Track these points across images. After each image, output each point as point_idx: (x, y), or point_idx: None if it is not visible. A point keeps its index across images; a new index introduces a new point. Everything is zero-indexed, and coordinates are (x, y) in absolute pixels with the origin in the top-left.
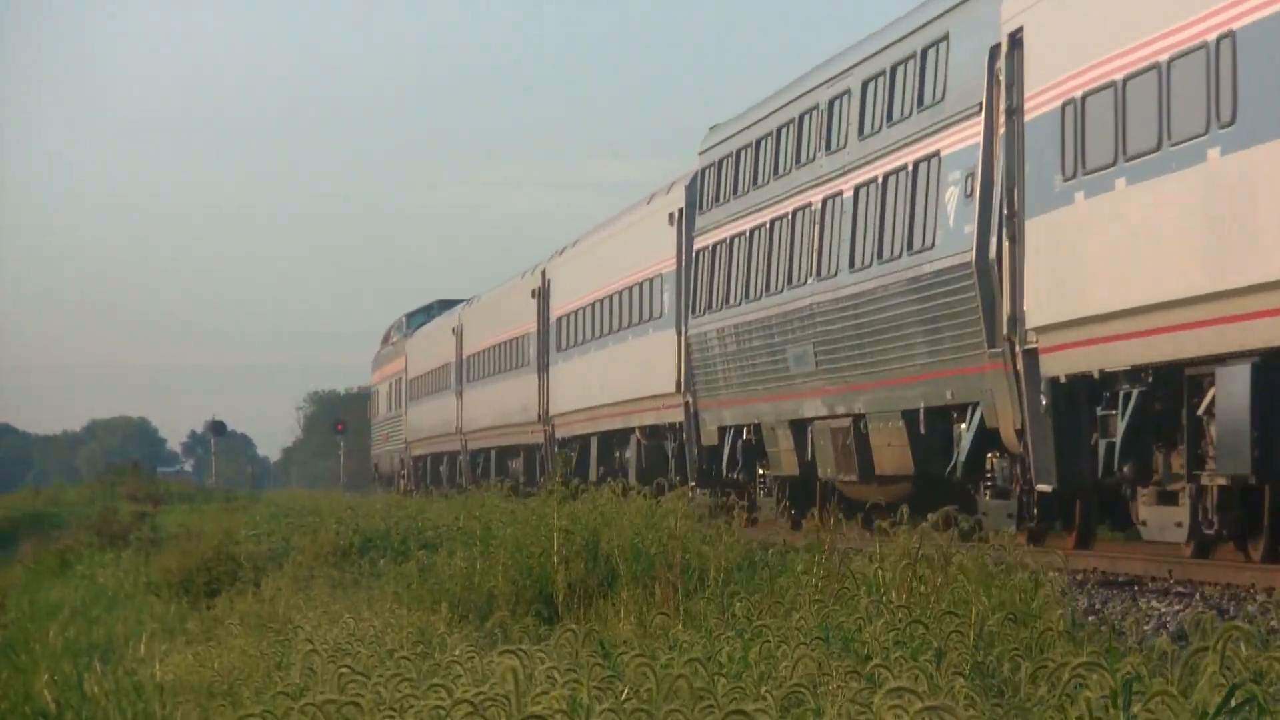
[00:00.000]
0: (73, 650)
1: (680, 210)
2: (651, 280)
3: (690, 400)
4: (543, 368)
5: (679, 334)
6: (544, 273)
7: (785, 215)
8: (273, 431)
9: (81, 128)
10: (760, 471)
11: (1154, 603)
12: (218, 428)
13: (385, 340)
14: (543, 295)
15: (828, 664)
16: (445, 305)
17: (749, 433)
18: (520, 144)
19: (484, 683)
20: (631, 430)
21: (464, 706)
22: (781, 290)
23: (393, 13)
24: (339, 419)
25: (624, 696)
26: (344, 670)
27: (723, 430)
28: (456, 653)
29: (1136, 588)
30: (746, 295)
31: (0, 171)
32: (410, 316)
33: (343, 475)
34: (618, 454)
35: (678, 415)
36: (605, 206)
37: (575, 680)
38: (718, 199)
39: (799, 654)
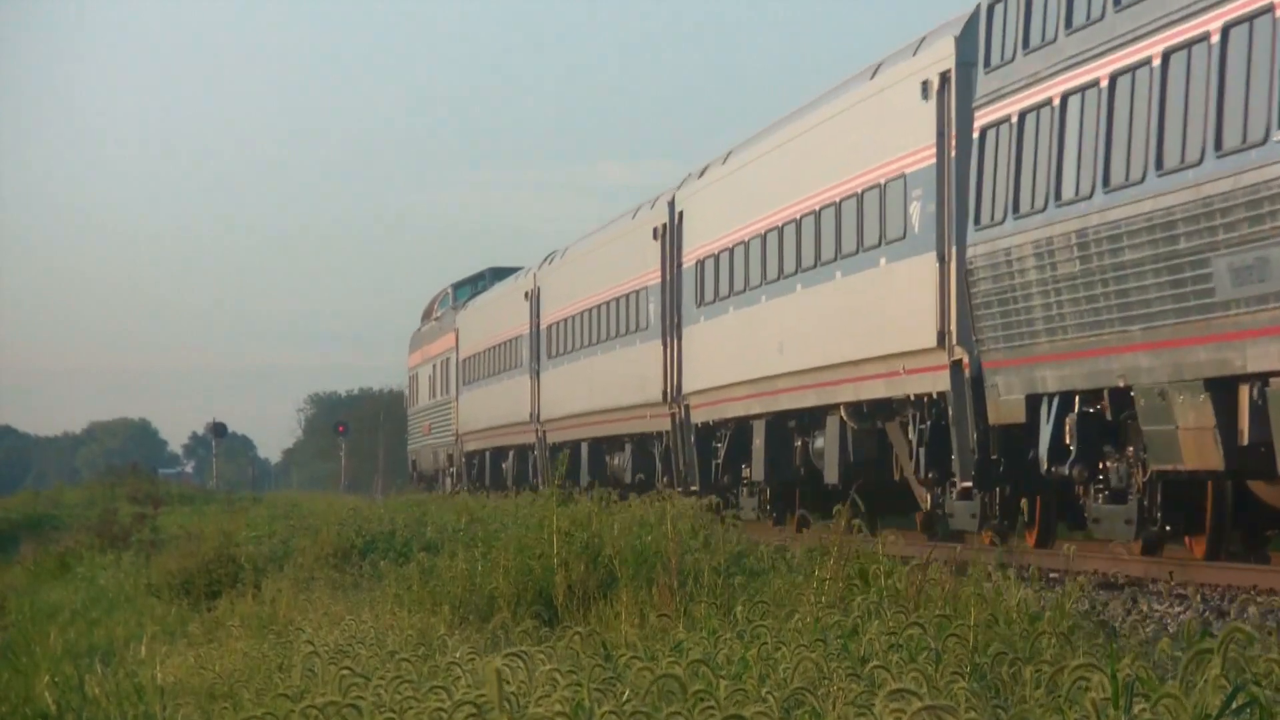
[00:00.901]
0: (73, 652)
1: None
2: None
3: None
4: (670, 331)
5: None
6: (672, 204)
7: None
8: (273, 433)
9: (81, 129)
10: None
11: (1154, 604)
12: (218, 429)
13: (426, 316)
14: (671, 234)
15: (827, 666)
16: (499, 274)
17: (1093, 402)
18: (519, 145)
19: (485, 685)
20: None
21: (465, 708)
22: (1202, 162)
23: (391, 12)
24: (340, 420)
25: (625, 698)
26: (345, 672)
27: (1037, 401)
28: (457, 655)
29: (1137, 589)
30: (1104, 181)
31: (3, 173)
32: (458, 288)
33: (344, 477)
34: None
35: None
36: (604, 207)
37: (576, 682)
38: (1024, 42)
39: (799, 656)
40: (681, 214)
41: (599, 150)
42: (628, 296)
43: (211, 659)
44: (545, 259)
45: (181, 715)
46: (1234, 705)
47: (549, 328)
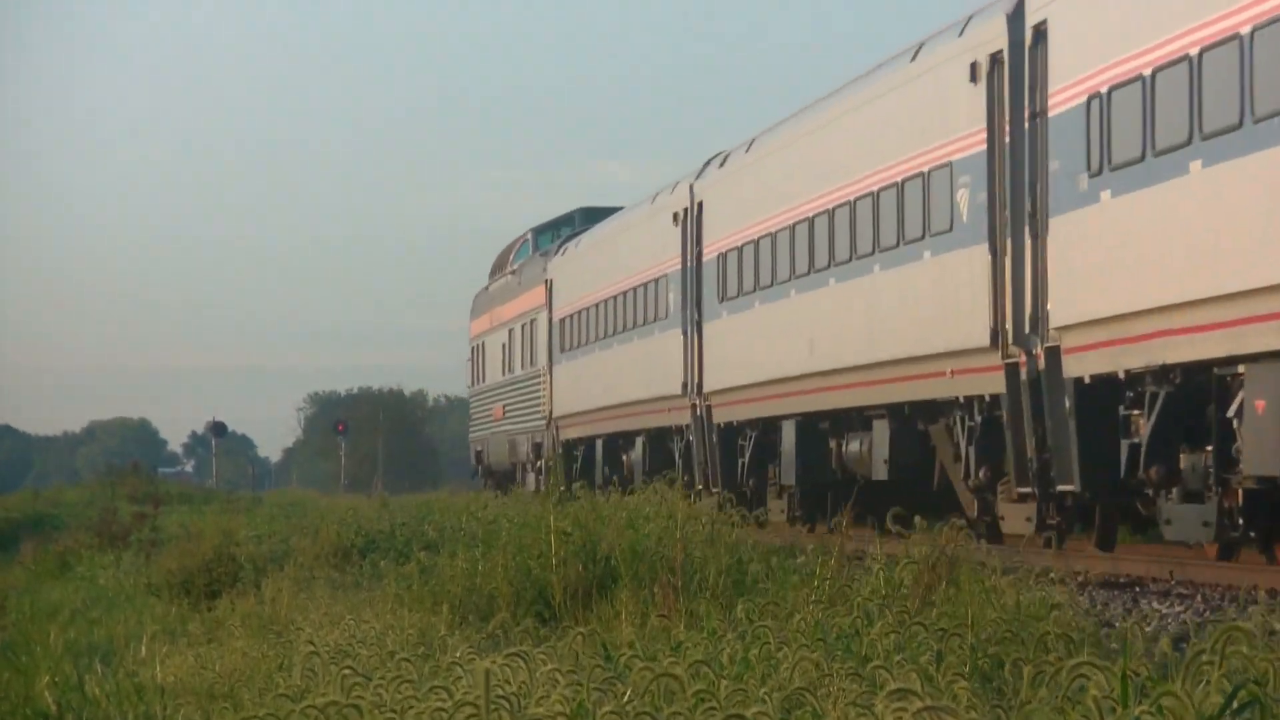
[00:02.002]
0: (73, 652)
1: None
2: None
3: None
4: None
5: None
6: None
7: None
8: (273, 432)
9: (81, 128)
10: None
11: (1155, 604)
12: (218, 429)
13: (497, 270)
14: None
15: (828, 666)
16: (593, 215)
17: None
18: (519, 145)
19: (484, 685)
20: None
21: (465, 708)
22: None
23: (390, 13)
24: (339, 420)
25: (626, 698)
26: (345, 672)
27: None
28: (457, 654)
29: (1138, 589)
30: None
31: (3, 173)
32: (540, 233)
33: (344, 476)
34: None
35: None
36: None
37: (577, 682)
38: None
39: (800, 656)
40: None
41: (600, 150)
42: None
43: (211, 659)
44: (706, 164)
45: (182, 715)
46: (1235, 704)
47: (714, 257)
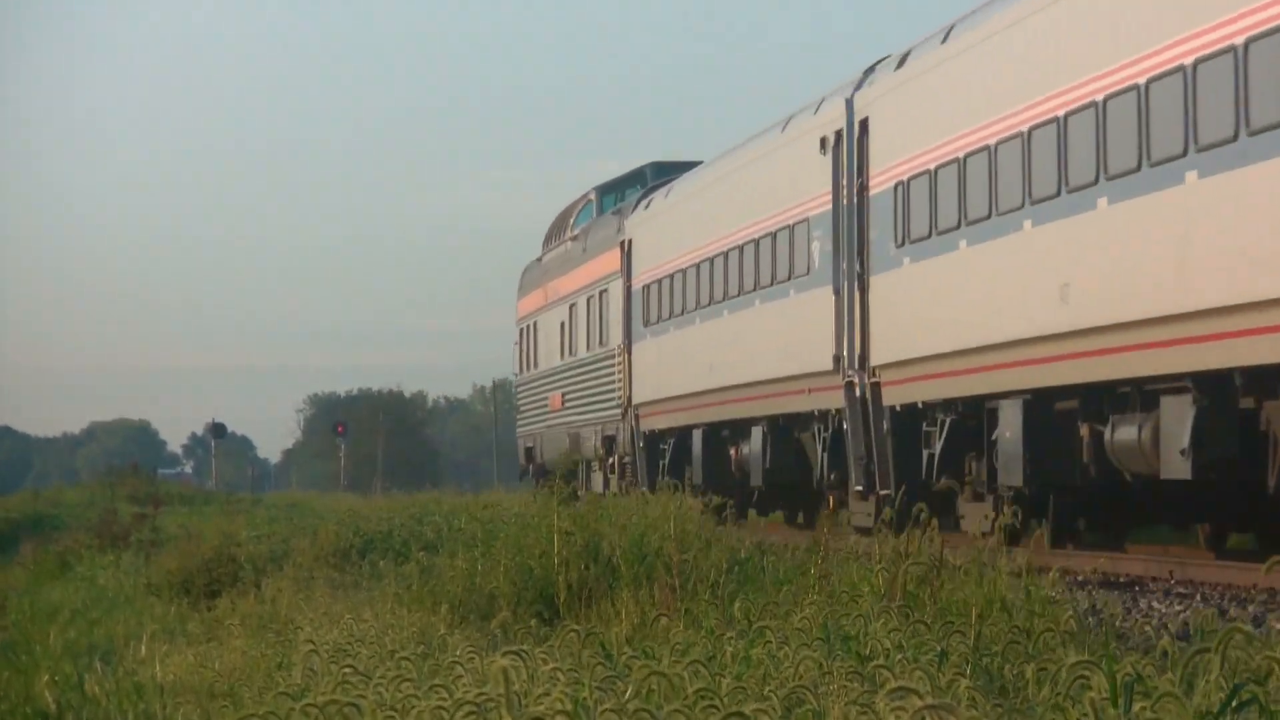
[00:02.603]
0: (73, 651)
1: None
2: None
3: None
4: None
5: None
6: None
7: None
8: (273, 433)
9: (82, 128)
10: None
11: (1154, 603)
12: (218, 430)
13: (554, 238)
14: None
15: (829, 664)
16: (665, 170)
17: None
18: (519, 145)
19: (485, 684)
20: None
21: (465, 707)
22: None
23: (388, 13)
24: (339, 421)
25: (626, 697)
26: (345, 671)
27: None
28: (457, 653)
29: (1137, 588)
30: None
31: (3, 173)
32: (606, 192)
33: (343, 477)
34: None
35: None
36: None
37: (577, 680)
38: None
39: (800, 655)
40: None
41: (600, 150)
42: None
43: (211, 658)
44: (869, 70)
45: (181, 714)
46: (1234, 704)
47: (890, 188)
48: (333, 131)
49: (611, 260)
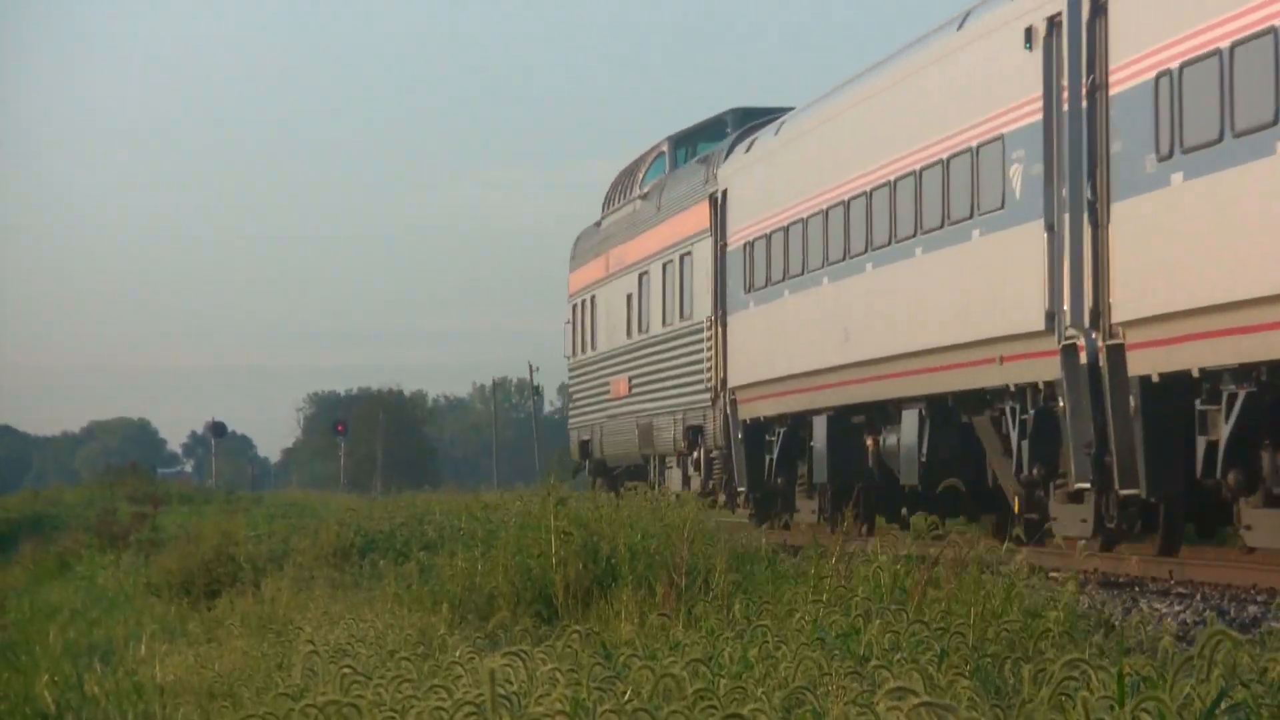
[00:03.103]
0: (73, 651)
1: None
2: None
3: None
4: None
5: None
6: None
7: None
8: (273, 433)
9: (84, 127)
10: None
11: (1155, 603)
12: (218, 429)
13: (616, 199)
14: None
15: (828, 665)
16: (751, 115)
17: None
18: (519, 145)
19: (485, 684)
20: None
21: (465, 708)
22: None
23: (390, 13)
24: (339, 420)
25: (625, 697)
26: (345, 671)
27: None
28: (457, 654)
29: (1137, 588)
30: None
31: (3, 173)
32: (680, 143)
33: (343, 476)
34: None
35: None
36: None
37: (576, 681)
38: None
39: (800, 654)
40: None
41: (600, 150)
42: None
43: (211, 658)
44: None
45: (181, 714)
46: (1223, 707)
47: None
48: (333, 131)
49: (696, 217)
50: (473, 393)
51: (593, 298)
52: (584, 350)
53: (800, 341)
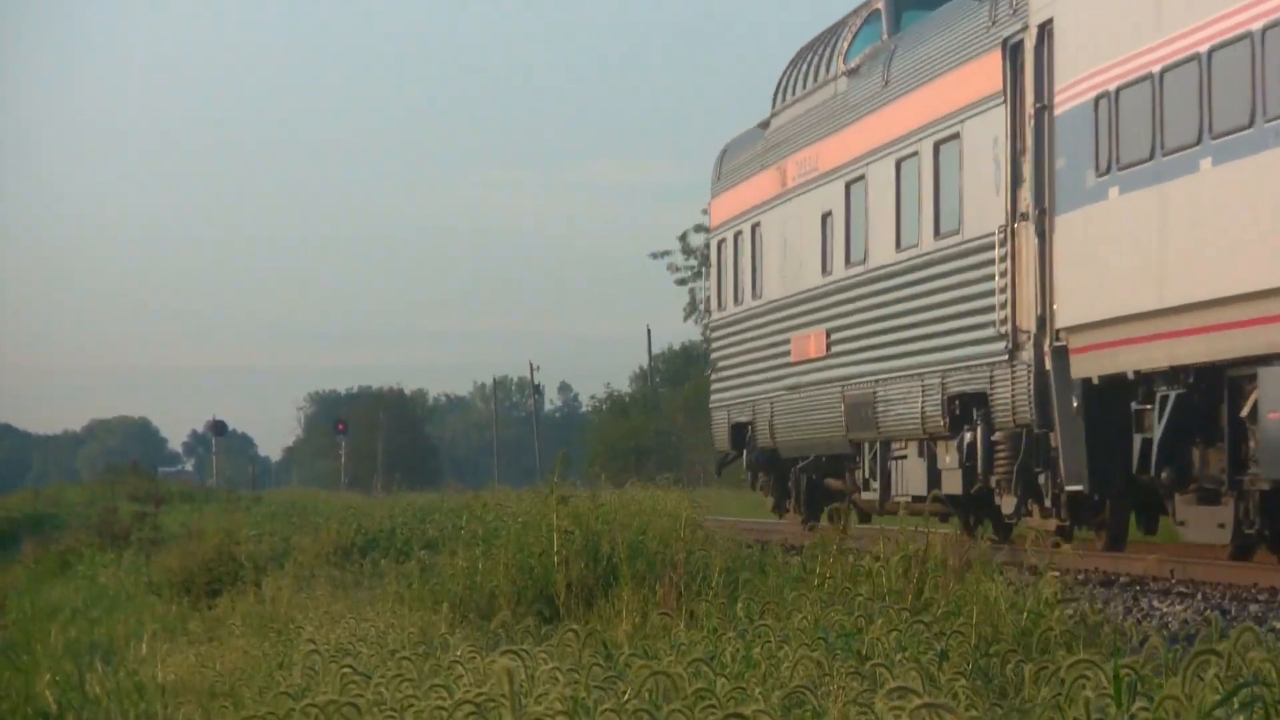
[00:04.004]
0: (74, 651)
1: None
2: None
3: None
4: None
5: None
6: None
7: None
8: (273, 431)
9: (83, 127)
10: None
11: (1155, 603)
12: (219, 428)
13: (798, 85)
14: None
15: (829, 664)
16: None
17: None
18: (519, 145)
19: (486, 683)
20: None
21: (466, 707)
22: None
23: (388, 12)
24: (340, 419)
25: (626, 697)
26: (346, 670)
27: None
28: (458, 653)
29: (1139, 588)
30: None
31: (3, 172)
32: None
33: (344, 475)
34: None
35: None
36: (605, 207)
37: (577, 680)
38: None
39: (800, 654)
40: None
41: (600, 149)
42: None
43: (212, 657)
44: None
45: (182, 714)
46: (1234, 703)
47: None
48: (333, 131)
49: (970, 81)
50: (473, 391)
51: (755, 227)
52: (739, 300)
53: (1243, 238)
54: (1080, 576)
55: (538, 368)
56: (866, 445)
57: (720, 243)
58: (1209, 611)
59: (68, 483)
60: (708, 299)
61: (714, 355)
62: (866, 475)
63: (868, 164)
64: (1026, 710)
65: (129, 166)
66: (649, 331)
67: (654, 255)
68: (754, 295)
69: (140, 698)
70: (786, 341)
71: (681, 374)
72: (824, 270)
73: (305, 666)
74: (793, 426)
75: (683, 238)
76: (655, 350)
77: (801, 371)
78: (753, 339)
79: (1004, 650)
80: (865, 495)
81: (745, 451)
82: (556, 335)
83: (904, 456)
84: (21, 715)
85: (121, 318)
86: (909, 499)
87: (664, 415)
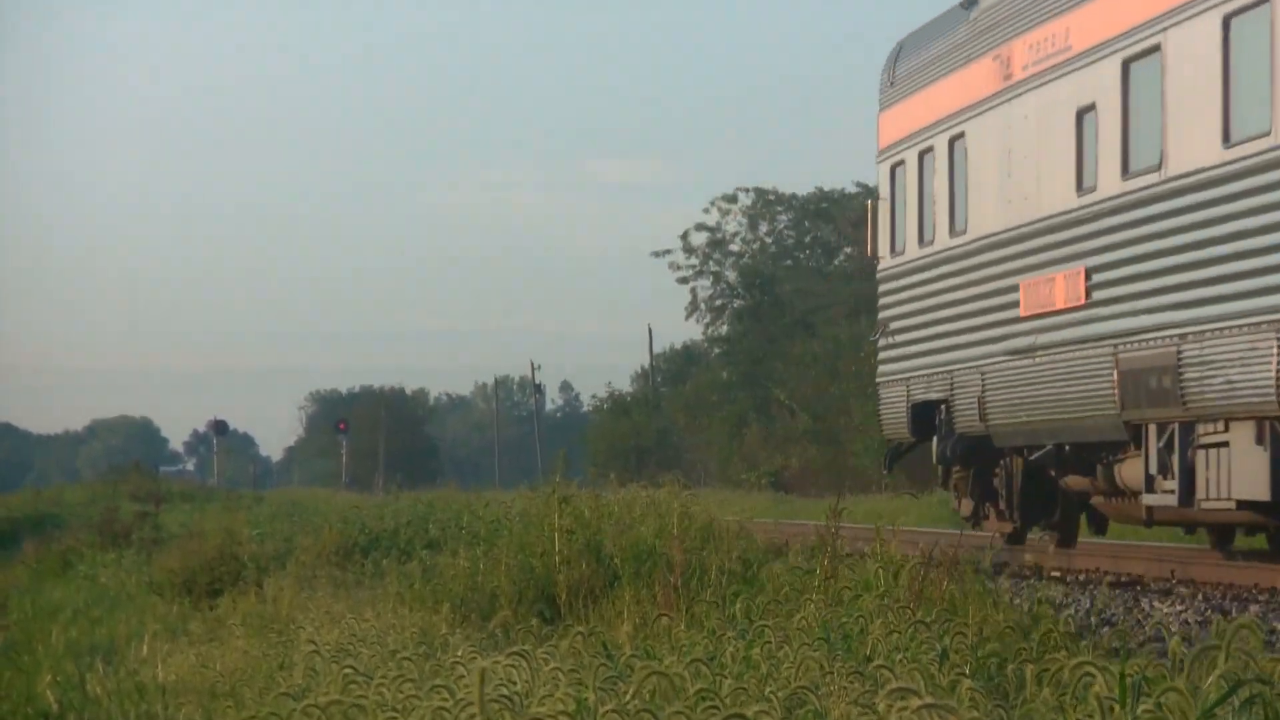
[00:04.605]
0: (75, 651)
1: None
2: None
3: None
4: None
5: None
6: None
7: None
8: (275, 431)
9: (84, 127)
10: None
11: (1156, 603)
12: (220, 427)
13: None
14: None
15: (830, 664)
16: None
17: None
18: (519, 145)
19: (486, 684)
20: None
21: (467, 708)
22: None
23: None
24: (341, 418)
25: (628, 697)
26: (347, 671)
27: None
28: (459, 653)
29: (1139, 588)
30: None
31: (2, 170)
32: None
33: (345, 474)
34: None
35: None
36: (605, 207)
37: (579, 681)
38: None
39: (801, 654)
40: None
41: (599, 149)
42: None
43: (213, 657)
44: None
45: (183, 714)
46: (1235, 701)
47: None
48: (333, 131)
49: None
50: (474, 391)
51: (956, 140)
52: (925, 239)
53: None
54: (1081, 577)
55: (539, 367)
56: (1153, 428)
57: (895, 167)
58: (1209, 612)
59: (69, 482)
60: (874, 242)
61: (884, 315)
62: (1153, 470)
63: (1166, 27)
64: (1029, 711)
65: (129, 166)
66: (650, 331)
67: (655, 254)
68: (953, 231)
69: (141, 698)
70: (1011, 290)
71: (683, 374)
72: (1080, 187)
73: (306, 667)
74: (1017, 404)
75: (684, 236)
76: (656, 350)
77: (1037, 329)
78: (951, 289)
79: (1002, 650)
80: (1152, 498)
81: (935, 439)
82: (558, 335)
83: (1223, 444)
84: (22, 715)
85: (122, 317)
86: (1231, 504)
87: (665, 415)
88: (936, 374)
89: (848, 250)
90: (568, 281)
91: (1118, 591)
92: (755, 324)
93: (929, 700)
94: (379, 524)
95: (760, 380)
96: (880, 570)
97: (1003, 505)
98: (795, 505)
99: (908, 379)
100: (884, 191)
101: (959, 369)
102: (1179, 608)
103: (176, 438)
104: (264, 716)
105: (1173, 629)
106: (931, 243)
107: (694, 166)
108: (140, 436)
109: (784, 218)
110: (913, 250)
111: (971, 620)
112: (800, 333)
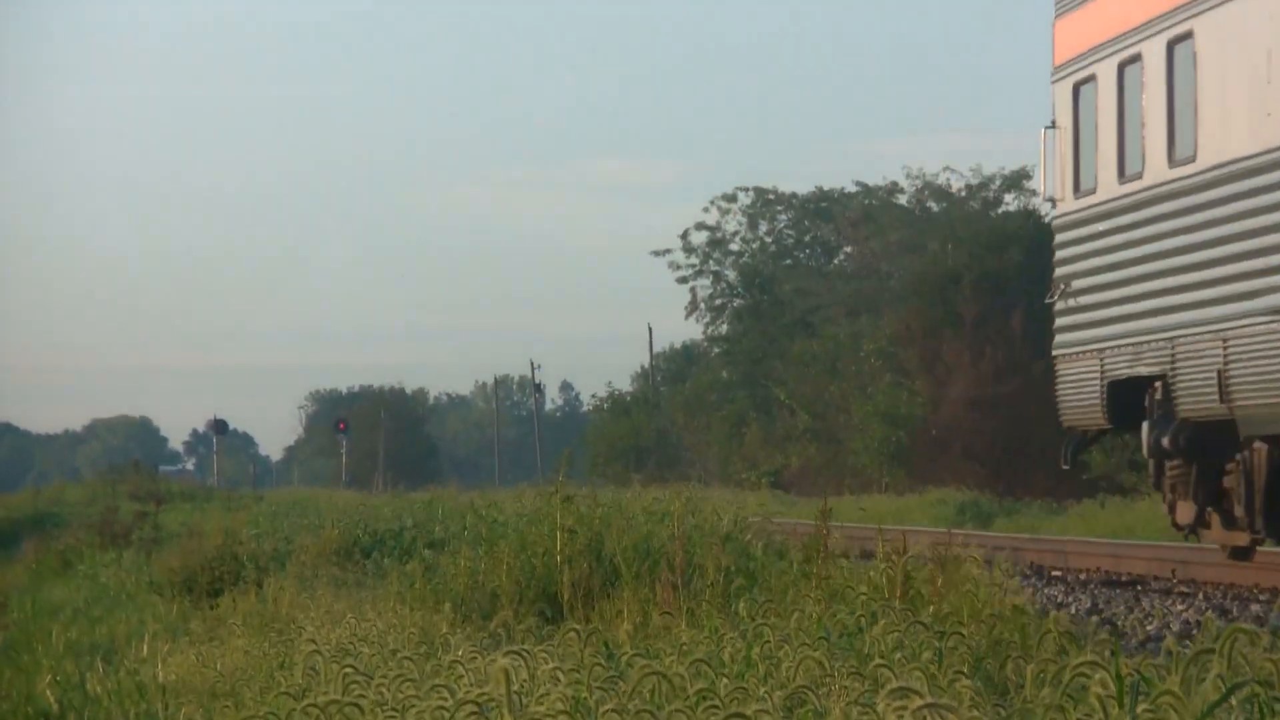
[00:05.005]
0: (75, 650)
1: None
2: None
3: None
4: None
5: None
6: None
7: None
8: (274, 430)
9: (86, 126)
10: None
11: (1156, 603)
12: (219, 427)
13: None
14: None
15: (830, 664)
16: None
17: None
18: (519, 144)
19: (488, 683)
20: None
21: (467, 707)
22: None
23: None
24: (340, 417)
25: (627, 697)
26: (347, 671)
27: None
28: (459, 653)
29: (1139, 587)
30: None
31: (2, 170)
32: None
33: (345, 474)
34: None
35: None
36: (605, 206)
37: (578, 680)
38: None
39: (801, 654)
40: None
41: (599, 149)
42: None
43: (213, 657)
44: None
45: (183, 714)
46: (1232, 702)
47: None
48: (333, 131)
49: None
50: (474, 390)
51: (1175, 44)
52: (1126, 173)
53: None
54: (1082, 577)
55: (539, 366)
56: None
57: (1080, 85)
58: (1209, 612)
59: (69, 482)
60: (1047, 180)
61: (1063, 271)
62: None
63: None
64: (1029, 711)
65: (132, 165)
66: (650, 330)
67: (655, 253)
68: (1171, 161)
69: (141, 698)
70: (1273, 228)
71: (682, 373)
72: None
73: (306, 667)
74: None
75: (684, 236)
76: (656, 349)
77: None
78: (1172, 233)
79: (1002, 650)
80: None
81: (1145, 426)
82: (558, 334)
83: None
84: (22, 715)
85: (122, 317)
86: None
87: (665, 414)
88: (1148, 343)
89: (847, 250)
90: (568, 281)
91: (1118, 591)
92: (755, 323)
93: (929, 700)
94: (383, 524)
95: (760, 380)
96: (884, 568)
97: (1238, 510)
98: (796, 505)
99: (1101, 350)
100: (1062, 119)
101: (1185, 335)
102: (1180, 607)
103: (176, 437)
104: (264, 716)
105: (1173, 628)
106: (1139, 176)
107: (694, 166)
108: (140, 436)
109: (784, 217)
110: (1110, 187)
111: (970, 620)
112: (800, 332)
